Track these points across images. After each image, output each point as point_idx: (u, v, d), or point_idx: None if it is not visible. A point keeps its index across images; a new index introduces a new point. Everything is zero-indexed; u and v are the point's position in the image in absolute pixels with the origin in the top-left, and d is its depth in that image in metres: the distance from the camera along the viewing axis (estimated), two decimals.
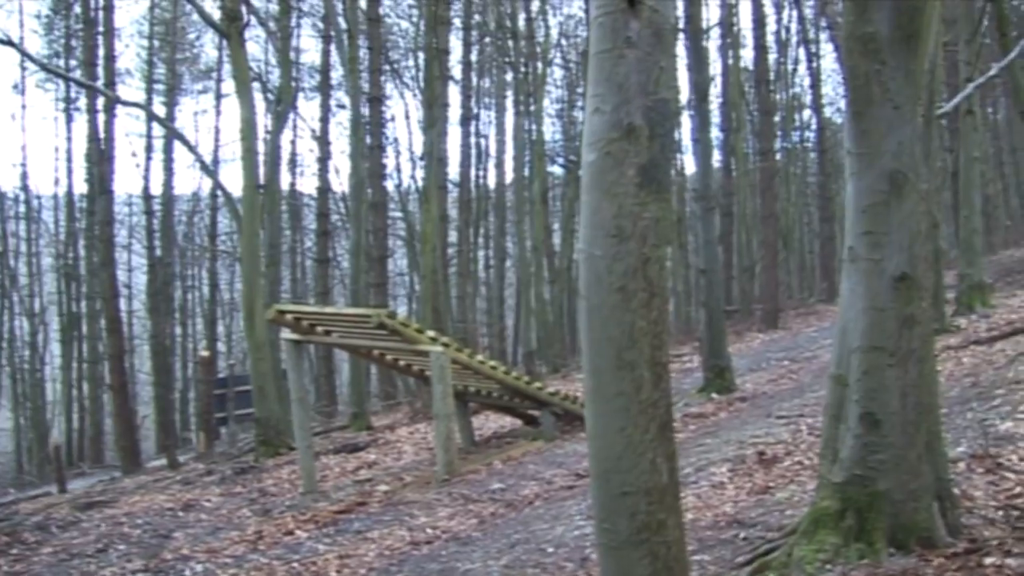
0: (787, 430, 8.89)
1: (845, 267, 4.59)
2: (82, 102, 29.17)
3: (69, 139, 32.32)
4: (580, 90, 32.27)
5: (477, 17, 29.81)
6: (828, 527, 4.33)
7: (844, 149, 4.62)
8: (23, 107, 40.05)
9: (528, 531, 7.13)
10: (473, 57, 30.90)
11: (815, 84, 30.90)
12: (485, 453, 12.28)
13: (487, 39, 31.14)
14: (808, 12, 30.63)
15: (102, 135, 26.26)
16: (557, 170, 34.76)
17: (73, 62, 29.63)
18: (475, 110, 32.23)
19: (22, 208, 34.56)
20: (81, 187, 30.41)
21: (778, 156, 30.77)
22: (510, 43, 29.27)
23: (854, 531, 4.27)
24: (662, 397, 3.21)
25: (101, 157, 26.14)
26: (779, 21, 31.97)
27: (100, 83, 25.03)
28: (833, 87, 31.98)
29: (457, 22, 27.61)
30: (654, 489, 3.19)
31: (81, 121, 29.90)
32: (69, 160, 32.43)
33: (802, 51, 32.03)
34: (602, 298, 3.20)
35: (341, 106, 29.88)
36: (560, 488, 8.93)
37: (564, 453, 10.95)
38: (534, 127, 29.24)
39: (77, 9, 28.39)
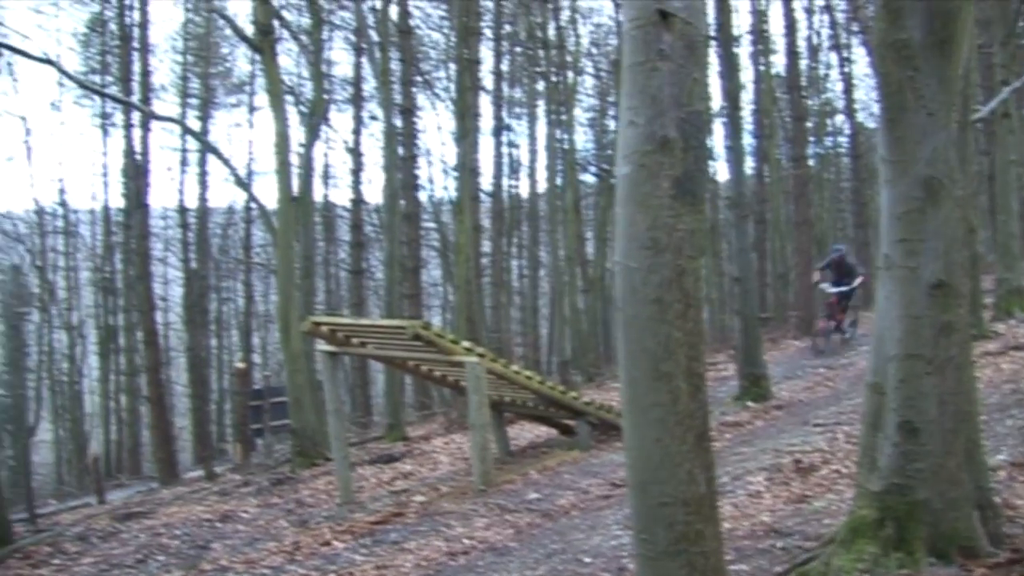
0: (824, 438, 8.84)
1: (881, 275, 4.56)
2: (118, 118, 29.49)
3: (105, 154, 32.68)
4: (611, 99, 32.28)
5: (508, 27, 29.87)
6: (867, 536, 4.30)
7: (878, 155, 4.59)
8: (61, 124, 40.48)
9: (565, 541, 7.12)
10: (504, 67, 30.96)
11: (848, 89, 30.74)
12: (521, 463, 12.27)
13: (518, 49, 31.19)
14: (840, 17, 30.47)
15: (138, 150, 26.57)
16: (590, 179, 34.78)
17: (109, 78, 29.94)
18: (507, 120, 32.29)
19: (60, 223, 34.93)
20: (118, 201, 30.70)
21: (811, 162, 30.60)
22: (541, 53, 29.31)
23: (893, 540, 4.23)
24: (699, 408, 3.23)
25: (137, 171, 26.44)
26: (810, 26, 31.81)
27: (136, 98, 25.31)
28: (866, 91, 31.80)
29: (488, 32, 27.67)
30: (692, 499, 3.20)
31: (117, 136, 30.25)
32: (106, 175, 32.78)
33: (834, 56, 31.90)
34: (638, 310, 3.21)
35: (374, 118, 30.06)
36: (596, 498, 8.92)
37: (600, 463, 10.93)
38: (566, 136, 29.25)
39: (113, 26, 28.73)
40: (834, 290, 17.41)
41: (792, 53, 26.49)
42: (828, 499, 6.41)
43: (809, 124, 30.50)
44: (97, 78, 30.18)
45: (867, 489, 4.43)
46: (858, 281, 17.62)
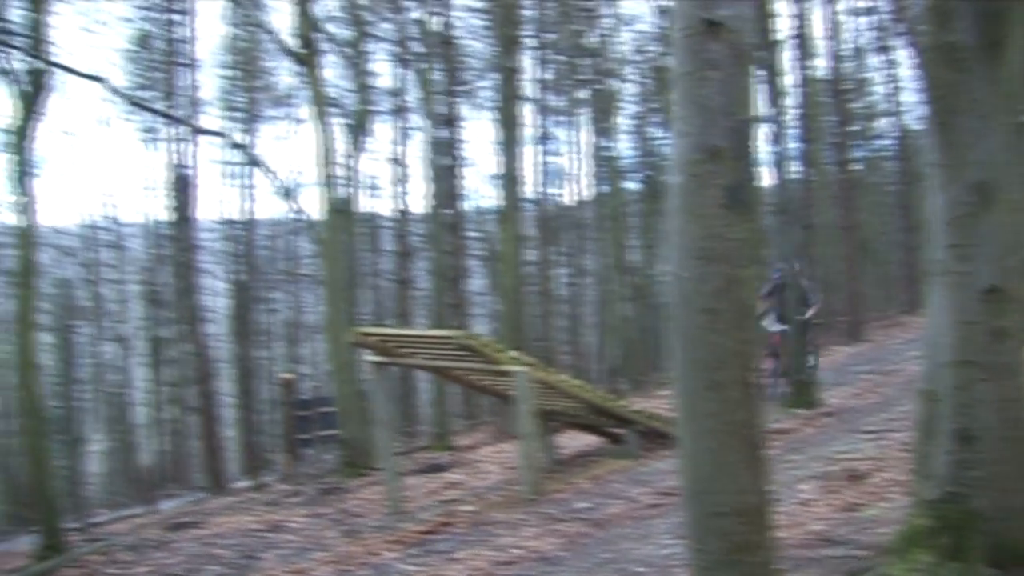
0: (874, 445, 8.75)
1: (933, 280, 4.51)
2: (165, 132, 29.84)
3: (152, 168, 33.07)
4: (654, 105, 32.20)
5: (549, 36, 29.89)
6: (922, 546, 4.24)
7: (927, 160, 4.54)
8: (109, 139, 41.00)
9: (615, 550, 7.10)
10: (547, 75, 30.99)
11: (893, 91, 30.46)
12: (569, 472, 12.23)
13: (560, 57, 31.20)
14: (883, 18, 30.16)
15: (184, 163, 26.89)
16: (633, 186, 34.69)
17: (155, 93, 30.28)
18: (549, 128, 32.31)
19: (109, 236, 35.37)
20: (164, 214, 31.05)
21: (857, 165, 30.32)
22: (582, 61, 29.29)
23: (950, 550, 4.17)
24: (752, 417, 3.22)
25: (183, 185, 26.75)
26: (854, 29, 31.53)
27: (182, 113, 25.61)
28: (911, 94, 31.41)
29: (529, 42, 27.68)
30: (746, 509, 3.20)
31: (163, 150, 30.61)
32: (153, 189, 33.19)
33: (878, 58, 31.60)
34: (690, 319, 3.21)
35: (416, 128, 30.19)
36: (646, 507, 8.88)
37: (648, 471, 10.88)
38: (609, 143, 29.22)
39: (159, 43, 29.08)
40: (777, 328, 14.75)
41: (836, 56, 26.31)
42: (880, 507, 6.35)
43: (854, 127, 30.24)
44: (143, 93, 30.55)
45: (922, 498, 4.38)
46: (811, 312, 14.66)
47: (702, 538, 3.29)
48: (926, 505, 4.33)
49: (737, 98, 3.24)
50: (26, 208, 15.68)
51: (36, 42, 15.60)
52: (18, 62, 16.30)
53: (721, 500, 3.20)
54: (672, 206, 3.32)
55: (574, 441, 15.12)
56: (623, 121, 33.61)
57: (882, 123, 33.78)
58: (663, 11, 28.15)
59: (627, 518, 8.57)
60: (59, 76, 17.90)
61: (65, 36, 42.41)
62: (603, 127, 29.63)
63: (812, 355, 14.65)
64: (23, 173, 15.64)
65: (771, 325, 14.79)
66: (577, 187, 34.57)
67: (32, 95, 15.63)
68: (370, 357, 11.96)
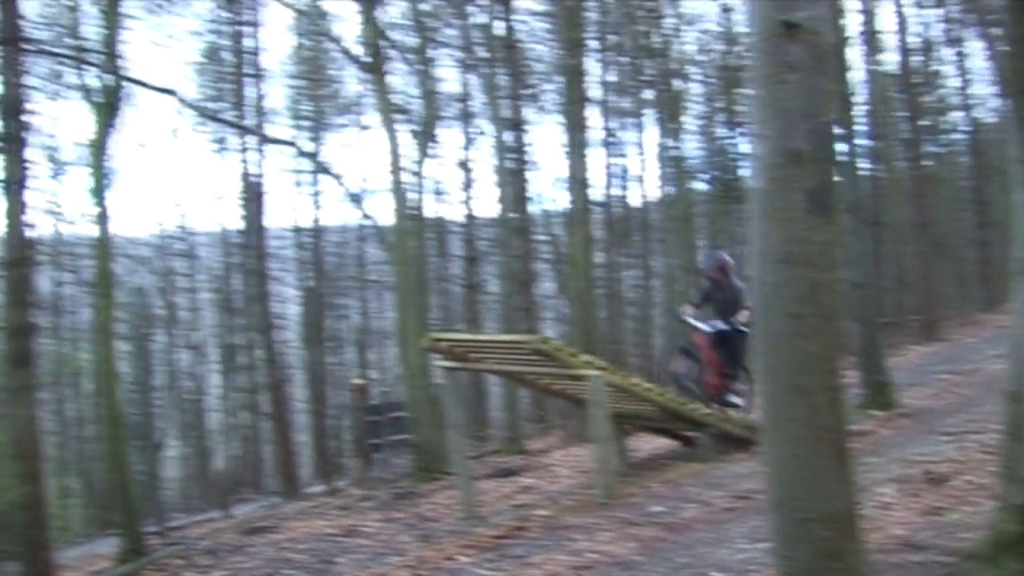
0: (954, 447, 8.60)
1: (1015, 279, 4.42)
2: (234, 142, 30.30)
3: (223, 178, 33.60)
4: (720, 105, 32.00)
5: (613, 38, 29.81)
6: (1012, 552, 4.16)
7: (1009, 156, 4.45)
8: (181, 150, 41.72)
9: (691, 555, 7.06)
10: (611, 77, 30.91)
11: (965, 84, 29.92)
12: (642, 476, 12.16)
13: (624, 59, 31.10)
14: (953, 11, 29.64)
15: (254, 172, 27.27)
16: (701, 186, 34.44)
17: (224, 104, 30.73)
18: (616, 130, 32.23)
19: (181, 245, 35.97)
20: (235, 223, 31.53)
21: (929, 161, 29.85)
22: (647, 62, 29.16)
23: None
24: (838, 422, 3.18)
25: (253, 194, 27.11)
26: (923, 22, 31.02)
27: (251, 123, 25.96)
28: (984, 86, 30.85)
29: (593, 44, 27.63)
30: (834, 516, 3.16)
31: (234, 160, 31.07)
32: (224, 198, 33.72)
33: (949, 51, 31.05)
34: (774, 324, 3.18)
35: (483, 133, 30.29)
36: (721, 510, 8.81)
37: (722, 474, 10.80)
38: (676, 144, 29.06)
39: (226, 55, 29.54)
40: (707, 327, 12.62)
41: (905, 50, 25.92)
42: (964, 511, 6.23)
43: (925, 122, 29.76)
44: (213, 105, 31.03)
45: (1010, 502, 4.29)
46: (744, 315, 12.09)
47: (789, 545, 3.25)
48: (1014, 510, 4.24)
49: (817, 100, 3.20)
50: (103, 219, 16.00)
51: (110, 58, 15.93)
52: (94, 78, 16.72)
53: (808, 506, 3.16)
54: (754, 211, 3.29)
55: (646, 444, 15.07)
56: (689, 121, 33.43)
57: (954, 117, 33.20)
58: (727, 10, 28.00)
59: (703, 522, 8.51)
60: (132, 90, 18.33)
61: (137, 51, 43.33)
62: (669, 128, 29.44)
63: (743, 380, 13.02)
64: (100, 185, 15.97)
65: (704, 323, 12.70)
66: (644, 188, 34.45)
67: (107, 109, 15.97)
68: (441, 362, 12.00)
